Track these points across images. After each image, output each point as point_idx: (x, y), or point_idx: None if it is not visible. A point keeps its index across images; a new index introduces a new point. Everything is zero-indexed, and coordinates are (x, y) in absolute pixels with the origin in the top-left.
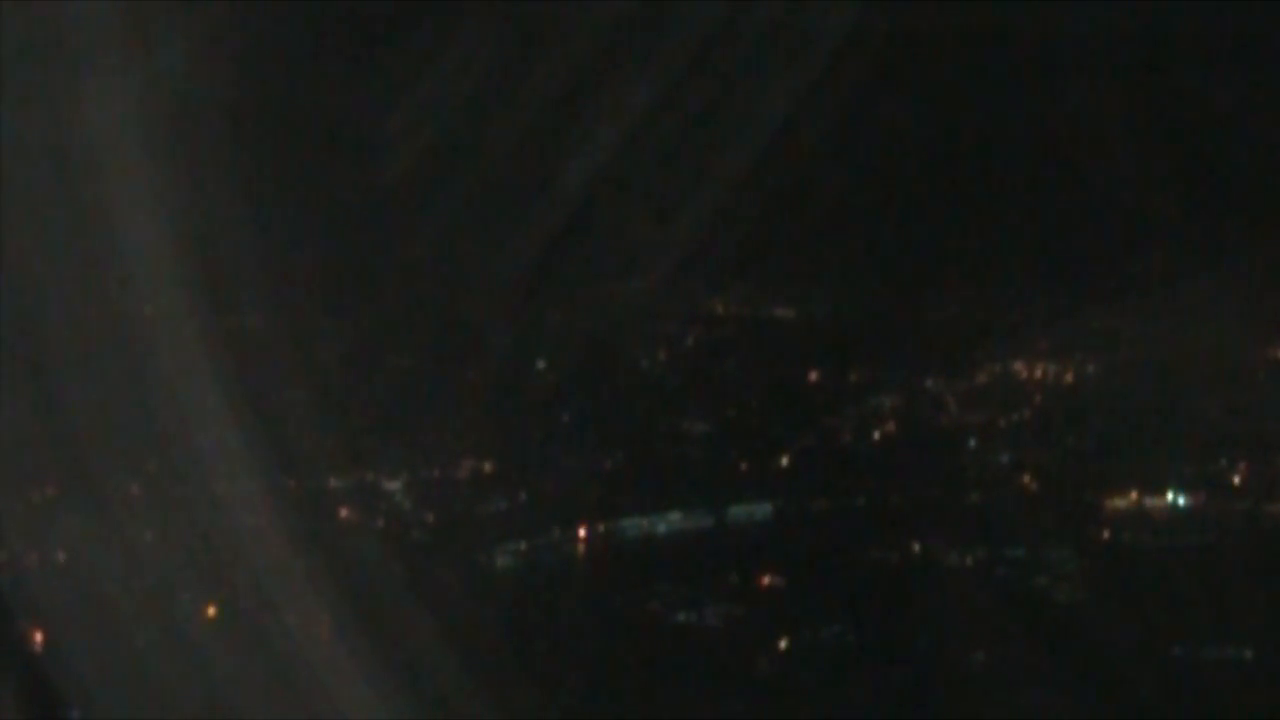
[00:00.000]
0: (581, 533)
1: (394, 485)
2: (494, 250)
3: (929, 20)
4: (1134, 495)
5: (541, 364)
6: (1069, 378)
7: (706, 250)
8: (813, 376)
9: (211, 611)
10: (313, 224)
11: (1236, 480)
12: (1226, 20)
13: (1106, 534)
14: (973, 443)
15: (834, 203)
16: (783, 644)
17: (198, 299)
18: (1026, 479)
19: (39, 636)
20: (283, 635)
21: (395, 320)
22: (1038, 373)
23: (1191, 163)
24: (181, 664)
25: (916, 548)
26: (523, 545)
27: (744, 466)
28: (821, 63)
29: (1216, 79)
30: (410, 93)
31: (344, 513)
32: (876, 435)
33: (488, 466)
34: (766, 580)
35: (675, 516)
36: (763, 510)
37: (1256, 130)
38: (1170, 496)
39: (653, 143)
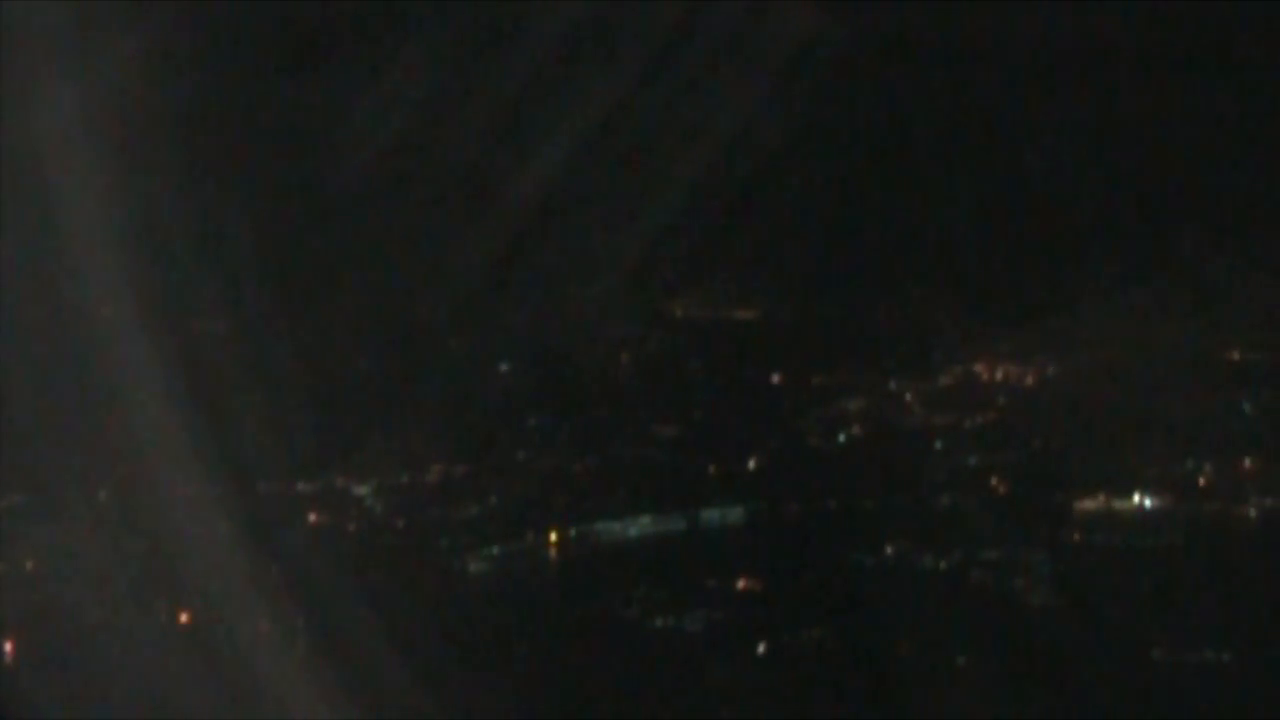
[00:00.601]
0: (554, 537)
1: (363, 490)
2: (451, 254)
3: (886, 25)
4: (1102, 497)
5: (504, 367)
6: (1030, 380)
7: (664, 253)
8: (776, 379)
9: (184, 619)
10: (268, 227)
11: (1202, 482)
12: (1182, 27)
13: (1078, 536)
14: (939, 445)
15: (791, 206)
16: (761, 648)
17: (158, 303)
18: (995, 481)
19: (8, 646)
20: (252, 641)
21: (353, 324)
22: (999, 375)
23: (1145, 167)
24: (151, 672)
25: (891, 550)
26: (496, 550)
27: (712, 469)
28: (780, 67)
29: (1173, 84)
30: (366, 96)
31: (313, 517)
32: (843, 438)
33: (458, 471)
34: (743, 584)
35: (647, 520)
36: (734, 513)
37: (1213, 136)
38: (1137, 498)
39: (610, 147)
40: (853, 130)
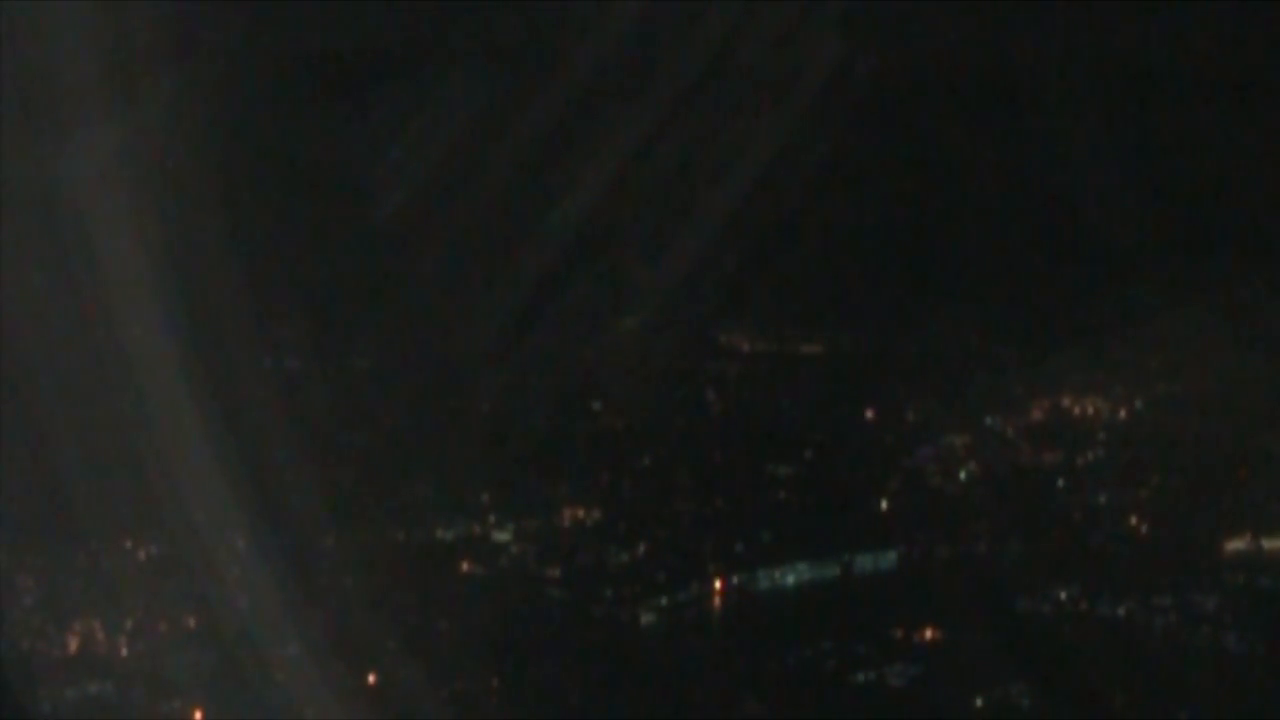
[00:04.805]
0: (719, 585)
1: (504, 536)
2: (491, 287)
3: (925, 53)
4: (1249, 536)
5: (597, 405)
6: (1123, 414)
7: (706, 286)
8: (869, 414)
9: (372, 680)
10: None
11: None
12: (1211, 53)
13: (1242, 579)
14: (1061, 483)
15: (824, 241)
16: (979, 702)
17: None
18: (1135, 521)
19: (198, 715)
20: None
21: (407, 360)
22: (1090, 409)
23: (1182, 191)
24: None
25: (1064, 597)
26: (664, 601)
27: (847, 513)
28: (813, 98)
29: (1203, 110)
30: (403, 133)
31: (465, 566)
32: (963, 476)
33: (592, 516)
34: (930, 634)
35: (803, 566)
36: (887, 559)
37: (1251, 160)
38: None
39: (642, 184)
40: (876, 166)
